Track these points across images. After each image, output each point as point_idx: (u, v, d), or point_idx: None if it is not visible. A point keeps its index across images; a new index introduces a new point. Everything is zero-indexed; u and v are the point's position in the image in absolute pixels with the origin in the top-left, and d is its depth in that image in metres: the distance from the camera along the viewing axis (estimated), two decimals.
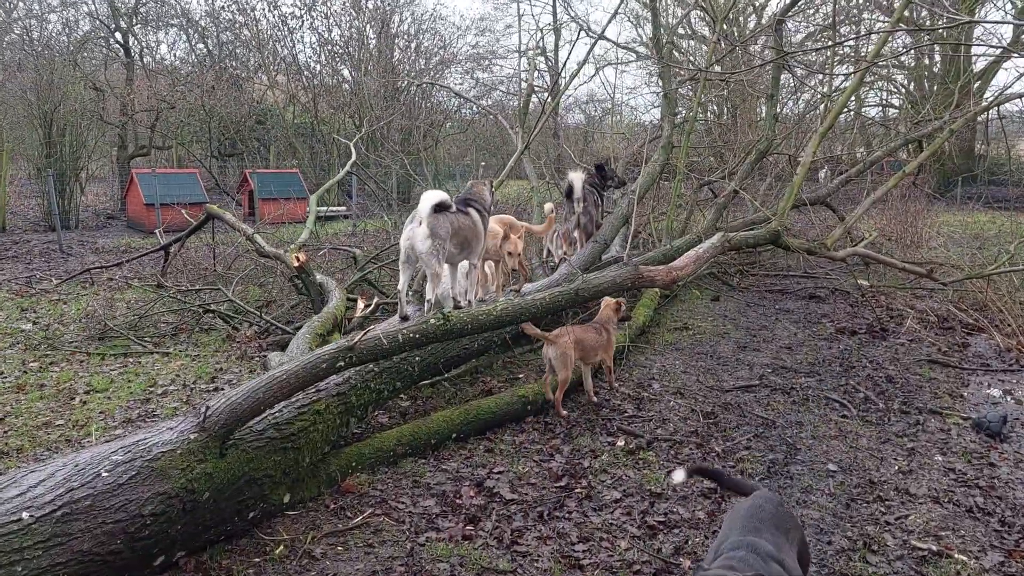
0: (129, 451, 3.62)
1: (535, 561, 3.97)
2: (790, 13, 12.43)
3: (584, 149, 22.50)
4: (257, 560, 3.93)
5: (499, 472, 5.04)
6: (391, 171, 20.28)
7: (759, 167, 12.25)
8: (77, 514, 3.25)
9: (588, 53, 10.32)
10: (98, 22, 27.52)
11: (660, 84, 12.25)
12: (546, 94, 13.37)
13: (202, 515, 3.77)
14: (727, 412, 6.22)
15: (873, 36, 10.76)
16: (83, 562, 3.20)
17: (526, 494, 4.74)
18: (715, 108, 20.37)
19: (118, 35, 27.34)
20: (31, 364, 7.49)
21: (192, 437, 3.81)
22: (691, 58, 16.41)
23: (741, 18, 21.75)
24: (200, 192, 19.91)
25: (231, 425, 3.97)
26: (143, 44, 29.28)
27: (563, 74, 11.19)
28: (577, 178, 8.79)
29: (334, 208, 21.15)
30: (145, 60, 28.67)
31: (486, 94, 29.67)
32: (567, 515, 4.48)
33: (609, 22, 27.81)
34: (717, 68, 10.89)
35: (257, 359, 7.77)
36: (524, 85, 14.61)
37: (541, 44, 20.66)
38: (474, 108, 28.71)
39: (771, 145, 11.41)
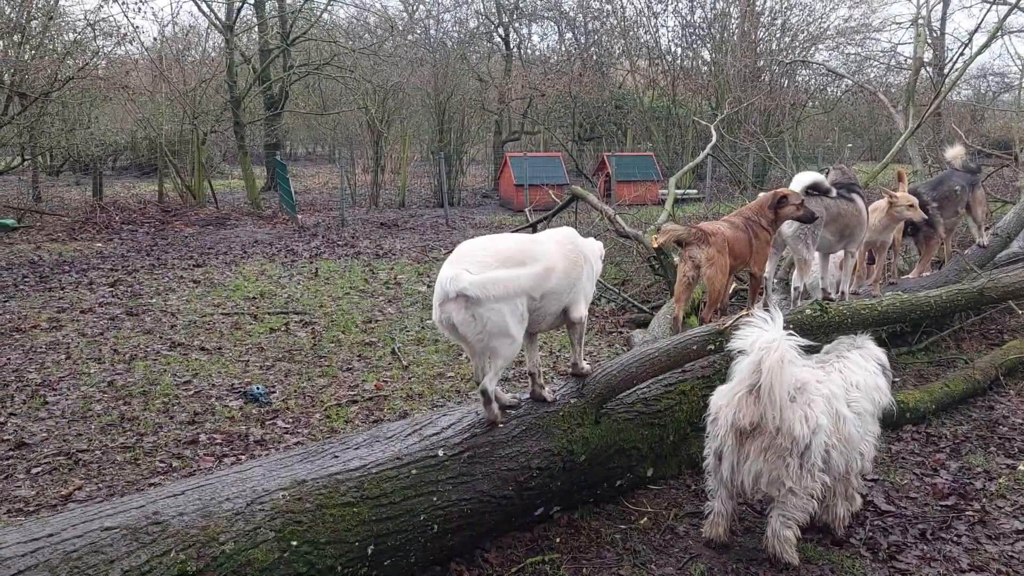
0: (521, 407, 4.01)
1: None
2: None
3: (971, 129, 19.81)
4: (623, 527, 4.11)
5: (872, 479, 4.67)
6: (748, 153, 19.66)
7: None
8: (479, 458, 3.68)
9: (1000, 23, 8.88)
10: (483, 18, 30.56)
11: None
12: (932, 69, 11.92)
13: (577, 476, 4.04)
14: None
15: None
16: (481, 501, 3.62)
17: (904, 508, 4.34)
18: None
19: (500, 29, 30.08)
20: (427, 321, 8.63)
21: (572, 402, 4.10)
22: None
23: None
24: (562, 174, 21.21)
25: (605, 395, 4.19)
26: (520, 37, 31.90)
27: (969, 47, 9.81)
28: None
29: (688, 191, 21.15)
30: (521, 51, 31.21)
31: (857, 70, 27.37)
32: (955, 538, 4.01)
33: None
34: None
35: (615, 334, 8.11)
36: (911, 60, 13.18)
37: (928, 14, 18.45)
38: (840, 86, 26.69)
39: None
